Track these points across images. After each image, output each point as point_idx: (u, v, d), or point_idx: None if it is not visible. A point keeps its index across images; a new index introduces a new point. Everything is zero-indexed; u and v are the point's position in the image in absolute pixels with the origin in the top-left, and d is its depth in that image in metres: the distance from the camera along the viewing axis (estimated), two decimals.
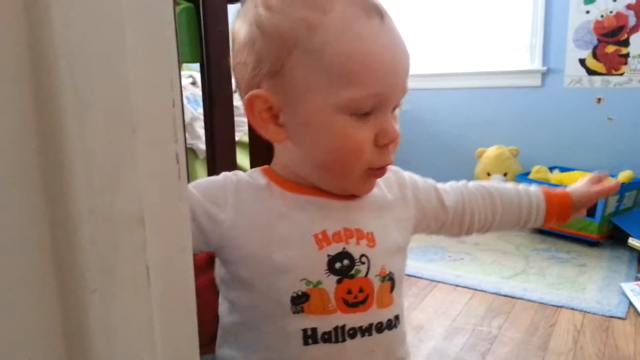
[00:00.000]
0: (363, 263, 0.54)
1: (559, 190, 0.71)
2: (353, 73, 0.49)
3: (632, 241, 2.14)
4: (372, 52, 0.50)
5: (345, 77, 0.49)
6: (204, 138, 1.37)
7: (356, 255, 0.54)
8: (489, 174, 2.78)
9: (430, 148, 3.02)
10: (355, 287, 0.53)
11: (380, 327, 0.55)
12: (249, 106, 0.53)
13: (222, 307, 0.59)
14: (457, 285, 1.94)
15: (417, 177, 0.66)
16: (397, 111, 0.54)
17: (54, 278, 0.33)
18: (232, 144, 1.04)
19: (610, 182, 0.70)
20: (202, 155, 1.97)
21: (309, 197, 0.55)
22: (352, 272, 0.54)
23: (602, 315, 1.68)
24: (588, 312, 1.70)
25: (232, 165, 1.05)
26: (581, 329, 1.60)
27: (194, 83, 2.24)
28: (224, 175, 0.58)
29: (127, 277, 0.36)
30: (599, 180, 0.70)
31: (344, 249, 0.54)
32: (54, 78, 0.34)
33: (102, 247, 0.36)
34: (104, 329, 0.37)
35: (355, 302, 0.53)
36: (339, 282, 0.53)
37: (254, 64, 0.53)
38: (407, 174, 0.64)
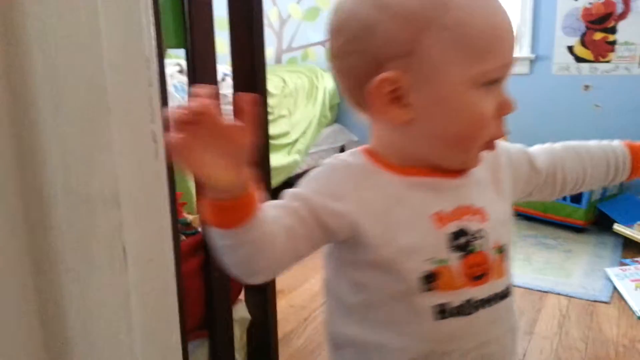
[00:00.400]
0: (480, 238, 0.56)
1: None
2: (487, 45, 0.52)
3: (617, 227, 2.17)
4: (499, 24, 0.53)
5: (480, 50, 0.52)
6: None
7: (472, 231, 0.56)
8: None
9: None
10: (476, 261, 0.56)
11: (499, 297, 0.58)
12: (377, 90, 0.53)
13: (342, 288, 0.59)
14: None
15: (507, 143, 0.66)
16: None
17: (29, 258, 0.33)
18: None
19: None
20: None
21: (419, 179, 0.56)
22: (471, 247, 0.56)
23: (587, 300, 1.71)
24: (573, 297, 1.73)
25: None
26: (566, 313, 1.62)
27: (181, 71, 2.22)
28: (330, 165, 0.58)
29: (103, 258, 0.36)
30: None
31: (460, 226, 0.56)
32: (26, 59, 0.33)
33: (77, 227, 0.36)
34: (79, 309, 0.37)
35: (478, 275, 0.56)
36: (461, 258, 0.55)
37: (377, 48, 0.52)
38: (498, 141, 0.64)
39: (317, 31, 3.23)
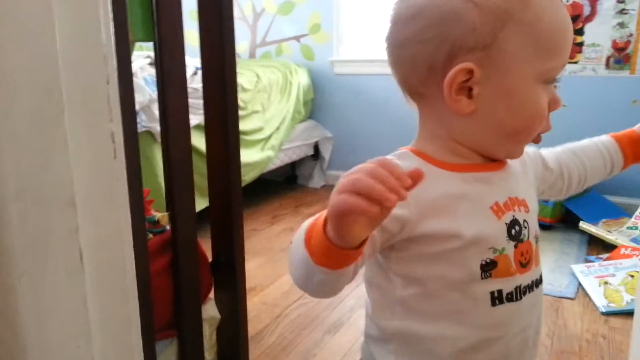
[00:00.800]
0: (526, 227, 0.60)
1: (624, 131, 0.76)
2: (557, 44, 0.55)
3: (582, 224, 2.22)
4: (567, 26, 0.56)
5: (550, 48, 0.55)
6: None
7: (521, 221, 0.59)
8: None
9: (397, 133, 3.05)
10: (524, 249, 0.59)
11: (536, 283, 0.62)
12: (452, 80, 0.54)
13: (389, 282, 0.60)
14: None
15: None
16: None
17: None
18: (186, 123, 1.02)
19: None
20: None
21: (472, 174, 0.59)
22: (522, 236, 0.59)
23: (554, 296, 1.75)
24: None
25: (187, 149, 1.03)
26: None
27: (152, 64, 2.18)
28: None
29: (58, 261, 0.35)
30: None
31: (513, 216, 0.59)
32: None
33: (32, 229, 0.34)
34: (34, 315, 0.35)
35: (525, 262, 0.59)
36: (515, 246, 0.58)
37: (457, 37, 0.54)
38: None
39: (292, 25, 3.21)
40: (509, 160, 0.63)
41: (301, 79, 2.97)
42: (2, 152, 0.33)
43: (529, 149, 0.68)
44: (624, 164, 0.74)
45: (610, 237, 2.14)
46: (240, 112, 2.46)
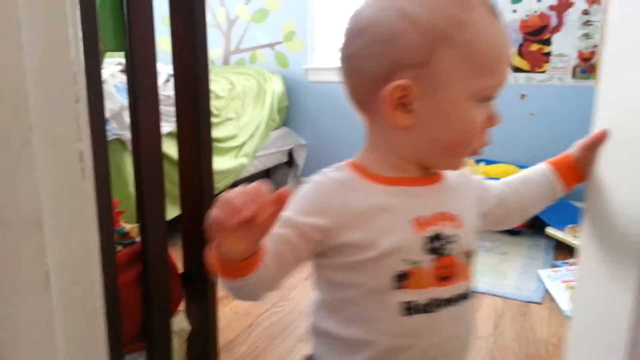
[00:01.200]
0: (452, 242, 0.61)
1: (561, 155, 0.78)
2: (491, 65, 0.58)
3: (549, 230, 2.28)
4: (503, 47, 0.59)
5: (485, 68, 0.57)
6: None
7: (447, 236, 0.61)
8: None
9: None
10: (446, 264, 0.60)
11: (462, 297, 0.63)
12: (389, 94, 0.57)
13: (320, 285, 0.65)
14: None
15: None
16: None
17: None
18: (157, 135, 1.01)
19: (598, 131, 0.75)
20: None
21: (400, 187, 0.62)
22: (444, 251, 0.60)
23: (521, 301, 1.79)
24: (508, 298, 1.80)
25: (158, 157, 1.02)
26: (501, 314, 1.69)
27: (123, 70, 2.15)
28: (316, 183, 0.62)
29: (25, 283, 0.35)
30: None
31: (437, 231, 0.60)
32: None
33: None
34: (2, 337, 0.35)
35: (445, 276, 0.60)
36: (433, 260, 0.60)
37: (396, 55, 0.57)
38: None
39: (266, 33, 3.22)
40: (447, 177, 0.65)
41: (275, 87, 2.97)
42: None
43: (475, 176, 0.73)
44: (565, 189, 0.77)
45: (576, 242, 2.21)
46: (214, 120, 2.45)
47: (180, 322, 1.11)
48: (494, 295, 1.82)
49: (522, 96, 2.76)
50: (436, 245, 0.60)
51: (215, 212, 0.47)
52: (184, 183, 1.12)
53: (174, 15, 1.07)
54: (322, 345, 0.66)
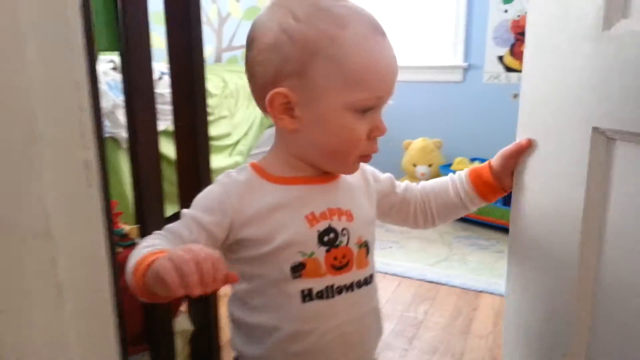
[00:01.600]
0: (344, 235, 0.67)
1: (481, 165, 0.81)
2: (364, 79, 0.62)
3: None
4: (379, 64, 0.62)
5: (357, 82, 0.61)
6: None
7: (339, 229, 0.66)
8: (414, 165, 2.86)
9: None
10: (340, 254, 0.66)
11: (359, 284, 0.68)
12: (271, 100, 0.63)
13: None
14: (386, 273, 1.99)
15: (372, 167, 0.79)
16: (383, 109, 0.67)
17: None
18: (154, 133, 1.00)
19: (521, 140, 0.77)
20: (125, 144, 1.88)
21: (296, 187, 0.67)
22: (337, 242, 0.66)
23: (500, 295, 1.79)
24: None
25: (155, 155, 1.01)
26: (499, 312, 1.69)
27: (115, 68, 2.12)
28: (219, 182, 0.68)
29: (37, 297, 0.34)
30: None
31: (329, 225, 0.66)
32: None
33: (6, 265, 0.33)
34: (14, 354, 0.34)
35: (340, 265, 0.66)
36: (327, 251, 0.65)
37: (278, 64, 0.62)
38: (364, 164, 0.77)
39: None
40: (344, 176, 0.71)
41: None
42: None
43: (377, 171, 0.79)
44: (484, 201, 0.81)
45: None
46: (208, 118, 2.43)
47: (183, 323, 1.10)
48: (491, 293, 1.83)
49: (515, 96, 2.77)
50: (329, 237, 0.66)
51: (170, 273, 0.50)
52: (182, 183, 1.10)
53: (169, 12, 1.06)
54: (237, 333, 0.70)
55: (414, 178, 2.83)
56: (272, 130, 2.84)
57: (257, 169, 0.68)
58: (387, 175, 0.80)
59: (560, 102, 0.66)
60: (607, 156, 0.60)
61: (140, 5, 0.97)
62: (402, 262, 2.12)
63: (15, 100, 0.33)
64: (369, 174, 0.76)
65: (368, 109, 0.63)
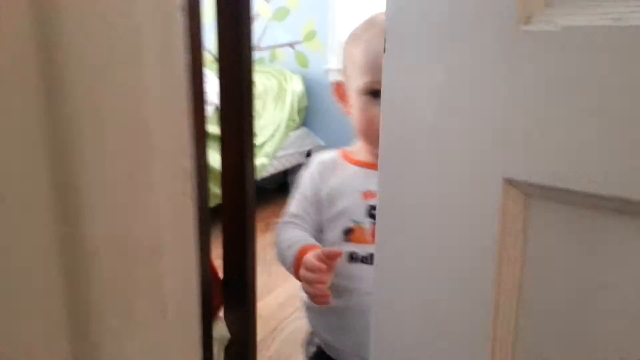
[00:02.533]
0: None
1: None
2: (365, 66, 0.78)
3: None
4: (373, 52, 0.77)
5: (362, 68, 0.78)
6: None
7: None
8: None
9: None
10: None
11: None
12: (334, 87, 0.88)
13: None
14: None
15: None
16: None
17: (66, 316, 0.29)
18: (203, 143, 0.98)
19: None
20: None
21: (363, 169, 0.83)
22: None
23: None
24: None
25: (203, 166, 0.99)
26: None
27: None
28: (313, 162, 0.89)
29: (142, 314, 0.33)
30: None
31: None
32: (69, 102, 0.29)
33: (117, 282, 0.32)
34: None
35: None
36: (372, 224, 0.77)
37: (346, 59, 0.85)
38: None
39: (286, 32, 3.19)
40: None
41: (295, 86, 2.95)
42: (93, 201, 0.30)
43: None
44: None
45: None
46: (253, 120, 2.41)
47: (220, 329, 1.09)
48: None
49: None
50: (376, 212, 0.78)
51: (306, 287, 0.75)
52: (226, 191, 1.09)
53: (221, 12, 1.04)
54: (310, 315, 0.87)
55: None
56: (297, 133, 2.85)
57: (344, 152, 0.87)
58: None
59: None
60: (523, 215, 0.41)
61: (195, 9, 0.96)
62: None
63: (132, 110, 0.32)
64: None
65: (377, 92, 0.71)
